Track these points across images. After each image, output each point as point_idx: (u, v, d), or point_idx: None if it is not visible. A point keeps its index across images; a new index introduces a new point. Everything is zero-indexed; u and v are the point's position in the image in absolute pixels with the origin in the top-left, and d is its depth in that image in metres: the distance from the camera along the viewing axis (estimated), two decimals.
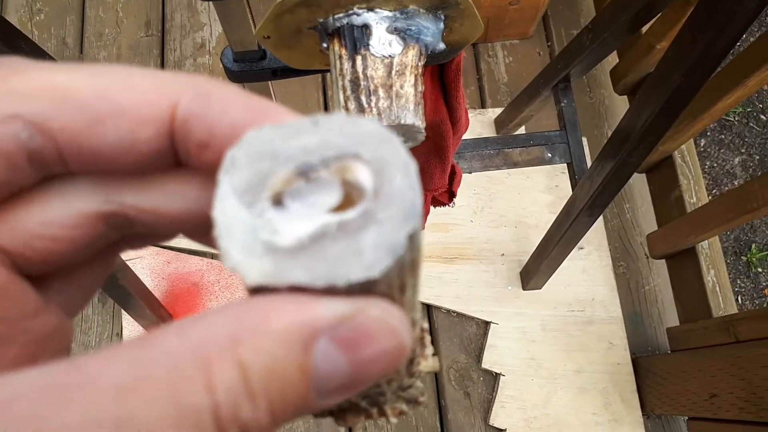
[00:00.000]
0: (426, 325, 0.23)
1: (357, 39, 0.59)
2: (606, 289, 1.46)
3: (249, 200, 0.17)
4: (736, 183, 1.83)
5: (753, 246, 1.77)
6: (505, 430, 1.36)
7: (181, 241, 1.39)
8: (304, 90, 1.62)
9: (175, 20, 1.70)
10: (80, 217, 0.19)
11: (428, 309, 1.44)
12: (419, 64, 0.62)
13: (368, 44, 0.59)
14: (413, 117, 0.60)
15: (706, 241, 1.37)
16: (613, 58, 1.60)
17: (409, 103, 0.60)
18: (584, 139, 1.50)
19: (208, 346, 0.15)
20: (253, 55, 0.78)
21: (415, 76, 0.61)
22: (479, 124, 1.57)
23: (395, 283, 0.17)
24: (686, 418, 1.31)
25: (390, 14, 0.60)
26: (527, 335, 1.42)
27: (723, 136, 1.87)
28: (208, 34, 1.68)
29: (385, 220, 0.16)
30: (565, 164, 1.22)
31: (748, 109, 1.89)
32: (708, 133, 1.87)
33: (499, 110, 1.53)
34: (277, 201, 0.17)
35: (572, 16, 1.73)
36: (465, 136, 0.93)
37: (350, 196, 0.17)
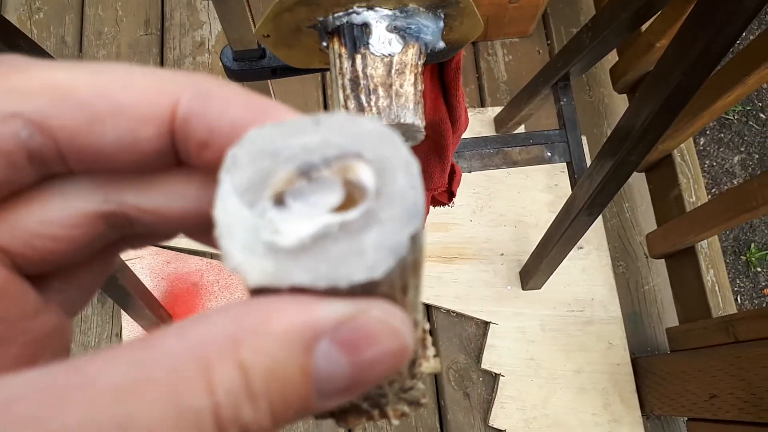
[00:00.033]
0: (427, 326, 0.23)
1: (357, 38, 0.59)
2: (605, 288, 1.47)
3: (250, 199, 0.17)
4: (735, 182, 1.83)
5: (752, 245, 1.77)
6: (505, 430, 1.36)
7: (181, 241, 1.39)
8: (303, 89, 1.62)
9: (175, 19, 1.70)
10: (80, 216, 0.19)
11: (427, 309, 1.44)
12: (419, 63, 0.61)
13: (368, 43, 0.59)
14: (413, 116, 0.60)
15: (706, 240, 1.38)
16: (612, 57, 1.60)
17: (408, 102, 0.60)
18: (584, 138, 1.50)
19: (208, 347, 0.15)
20: (253, 54, 0.78)
21: (415, 74, 0.61)
22: (479, 122, 1.57)
23: (397, 283, 0.17)
24: (686, 418, 1.31)
25: (390, 13, 0.60)
26: (527, 335, 1.42)
27: (722, 135, 1.87)
28: (207, 33, 1.68)
29: (388, 220, 0.16)
30: (565, 163, 1.22)
31: (748, 108, 1.89)
32: (707, 132, 1.87)
33: (498, 109, 1.53)
34: (279, 200, 0.17)
35: (572, 15, 1.73)
36: (464, 135, 0.93)
37: (352, 196, 0.17)
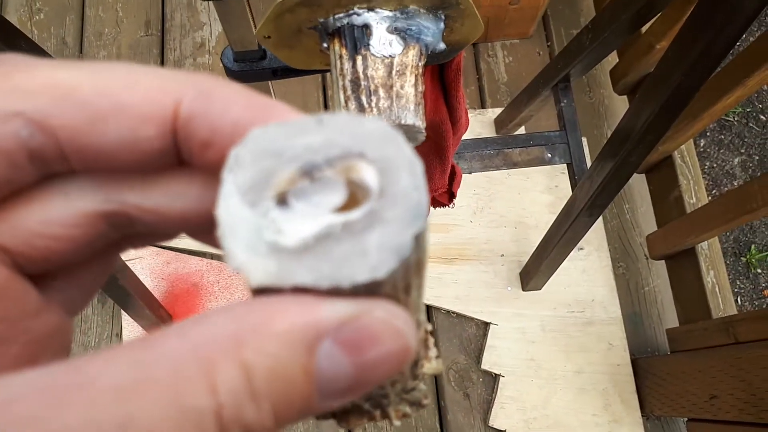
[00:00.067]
0: (430, 327, 0.23)
1: (357, 39, 0.59)
2: (606, 289, 1.46)
3: (253, 199, 0.16)
4: (735, 183, 1.83)
5: (752, 247, 1.77)
6: (505, 431, 1.35)
7: (181, 242, 1.39)
8: (303, 89, 1.62)
9: (175, 20, 1.70)
10: (81, 215, 0.19)
11: (428, 309, 1.44)
12: (419, 64, 0.61)
13: (369, 44, 0.59)
14: (413, 117, 0.60)
15: (706, 241, 1.37)
16: (612, 58, 1.60)
17: (409, 103, 0.60)
18: (584, 139, 1.50)
19: (210, 347, 0.15)
20: (254, 55, 0.78)
21: (416, 76, 0.61)
22: (479, 124, 1.57)
23: (400, 284, 0.17)
24: (686, 419, 1.31)
25: (390, 14, 0.60)
26: (527, 336, 1.42)
27: (723, 137, 1.87)
28: (207, 34, 1.68)
29: (391, 221, 0.16)
30: (565, 164, 1.22)
31: (748, 110, 1.89)
32: (708, 134, 1.87)
33: (498, 110, 1.53)
34: (282, 200, 0.17)
35: (572, 16, 1.73)
36: (465, 136, 0.93)
37: (355, 196, 0.17)
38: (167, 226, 0.20)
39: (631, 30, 1.00)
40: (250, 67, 0.79)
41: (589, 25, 1.06)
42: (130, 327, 1.38)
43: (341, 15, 0.59)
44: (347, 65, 0.60)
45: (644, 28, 1.40)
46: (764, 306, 1.74)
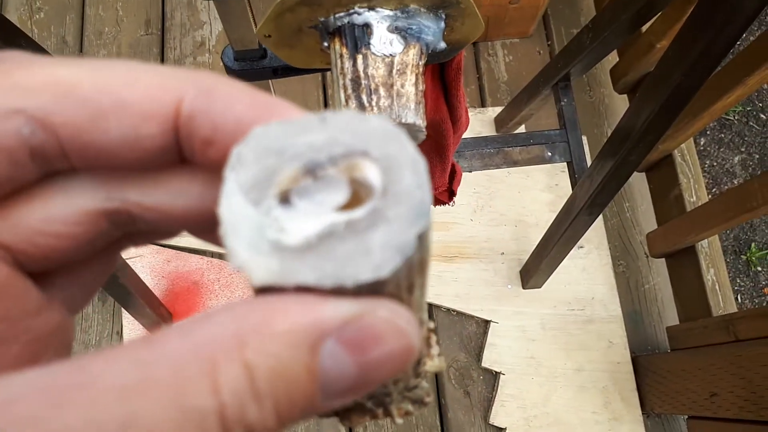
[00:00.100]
0: (432, 325, 0.23)
1: (358, 38, 0.59)
2: (606, 287, 1.46)
3: (255, 198, 0.16)
4: (735, 182, 1.83)
5: (752, 245, 1.77)
6: (505, 428, 1.35)
7: (182, 240, 1.39)
8: (304, 88, 1.62)
9: (175, 19, 1.69)
10: (83, 213, 0.19)
11: (428, 308, 1.44)
12: (420, 63, 0.61)
13: (369, 43, 0.59)
14: (414, 116, 0.60)
15: (706, 239, 1.37)
16: (613, 57, 1.60)
17: (410, 102, 0.60)
18: (584, 138, 1.50)
19: (213, 347, 0.15)
20: (254, 54, 0.78)
21: (416, 75, 0.61)
22: (479, 122, 1.56)
23: (403, 283, 0.17)
24: (686, 416, 1.31)
25: (391, 13, 0.60)
26: (527, 334, 1.42)
27: (723, 135, 1.87)
28: (208, 33, 1.68)
29: (394, 219, 0.16)
30: (565, 163, 1.22)
31: (748, 108, 1.89)
32: (708, 132, 1.87)
33: (499, 109, 1.53)
34: (284, 199, 0.17)
35: (572, 15, 1.73)
36: (465, 135, 0.93)
37: (358, 194, 0.17)
38: (169, 223, 0.20)
39: (632, 29, 1.00)
40: (251, 66, 0.79)
41: (590, 25, 1.06)
42: (130, 325, 1.38)
43: (342, 14, 0.59)
44: (348, 64, 0.60)
45: (644, 28, 1.40)
46: (764, 304, 1.74)
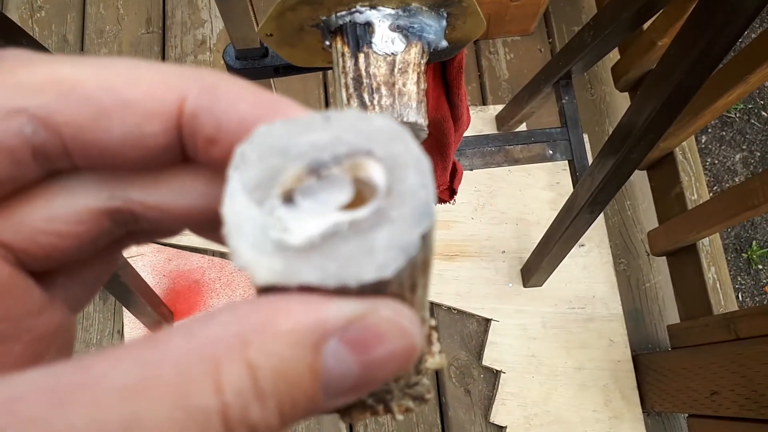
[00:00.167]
0: (433, 322, 0.23)
1: (360, 37, 0.59)
2: (607, 286, 1.46)
3: (259, 197, 0.16)
4: (737, 180, 1.83)
5: (753, 243, 1.77)
6: (506, 427, 1.36)
7: (183, 239, 1.39)
8: (305, 87, 1.62)
9: (176, 17, 1.69)
10: (85, 213, 0.19)
11: (429, 306, 1.43)
12: (422, 62, 0.61)
13: (371, 42, 0.59)
14: (416, 115, 0.60)
15: (707, 238, 1.37)
16: (614, 55, 1.60)
17: (411, 101, 0.60)
18: (585, 136, 1.50)
19: (216, 347, 0.14)
20: (256, 53, 0.78)
21: (418, 73, 0.61)
22: (480, 121, 1.56)
23: (406, 282, 0.17)
24: (687, 415, 1.31)
25: (393, 12, 0.59)
26: (528, 332, 1.42)
27: (724, 133, 1.86)
28: (208, 31, 1.68)
29: (398, 219, 0.16)
30: (566, 161, 1.22)
31: (749, 106, 1.89)
32: (709, 130, 1.86)
33: (500, 107, 1.53)
34: (288, 198, 0.17)
35: (573, 13, 1.73)
36: (466, 133, 0.93)
37: (361, 194, 0.17)
38: (171, 222, 0.20)
39: (633, 27, 1.00)
40: (252, 65, 0.79)
41: (591, 23, 1.06)
42: (131, 324, 1.39)
43: (343, 13, 0.59)
44: (349, 63, 0.59)
45: (646, 25, 1.40)
46: (765, 302, 1.74)
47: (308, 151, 0.17)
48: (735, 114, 1.88)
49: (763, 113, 1.88)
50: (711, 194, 1.57)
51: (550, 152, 1.20)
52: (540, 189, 1.52)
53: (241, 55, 0.78)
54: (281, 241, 0.16)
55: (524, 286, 1.44)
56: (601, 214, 1.39)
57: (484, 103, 1.63)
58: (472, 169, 1.19)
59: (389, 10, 0.59)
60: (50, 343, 0.20)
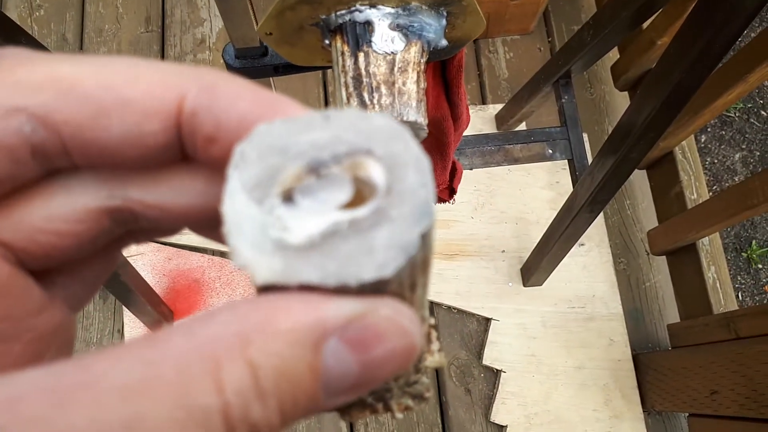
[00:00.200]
0: (433, 321, 0.23)
1: (359, 36, 0.59)
2: (606, 285, 1.46)
3: (259, 196, 0.16)
4: (736, 179, 1.83)
5: (753, 242, 1.77)
6: (506, 426, 1.36)
7: (183, 238, 1.39)
8: (305, 86, 1.62)
9: (175, 16, 1.69)
10: (84, 211, 0.19)
11: (429, 305, 1.44)
12: (422, 61, 0.61)
13: (371, 41, 0.59)
14: (416, 114, 0.60)
15: (707, 237, 1.37)
16: (614, 54, 1.60)
17: (411, 100, 0.60)
18: (585, 135, 1.50)
19: (216, 346, 0.14)
20: (255, 52, 0.78)
21: (418, 72, 0.61)
22: (480, 120, 1.56)
23: (406, 281, 0.17)
24: (687, 414, 1.31)
25: (392, 11, 0.59)
26: (528, 332, 1.42)
27: (724, 132, 1.86)
28: (208, 30, 1.68)
29: (398, 219, 0.16)
30: (566, 160, 1.22)
31: (749, 105, 1.89)
32: (708, 129, 1.86)
33: (499, 106, 1.53)
34: (288, 197, 0.17)
35: (573, 12, 1.73)
36: (465, 133, 0.93)
37: (361, 193, 0.17)
38: (171, 221, 0.20)
39: (632, 26, 1.00)
40: (252, 64, 0.79)
41: (590, 22, 1.06)
42: (131, 323, 1.39)
43: (343, 12, 0.59)
44: (349, 62, 0.59)
45: (645, 24, 1.40)
46: (765, 301, 1.74)
47: (308, 150, 0.17)
48: (734, 113, 1.88)
49: (763, 112, 1.88)
50: (711, 193, 1.57)
51: (550, 151, 1.20)
52: (540, 188, 1.52)
53: (241, 53, 0.78)
54: (281, 240, 0.16)
55: (524, 286, 1.44)
56: (601, 214, 1.39)
57: (483, 102, 1.63)
58: (471, 169, 1.19)
59: (389, 9, 0.59)
60: (50, 343, 0.20)
